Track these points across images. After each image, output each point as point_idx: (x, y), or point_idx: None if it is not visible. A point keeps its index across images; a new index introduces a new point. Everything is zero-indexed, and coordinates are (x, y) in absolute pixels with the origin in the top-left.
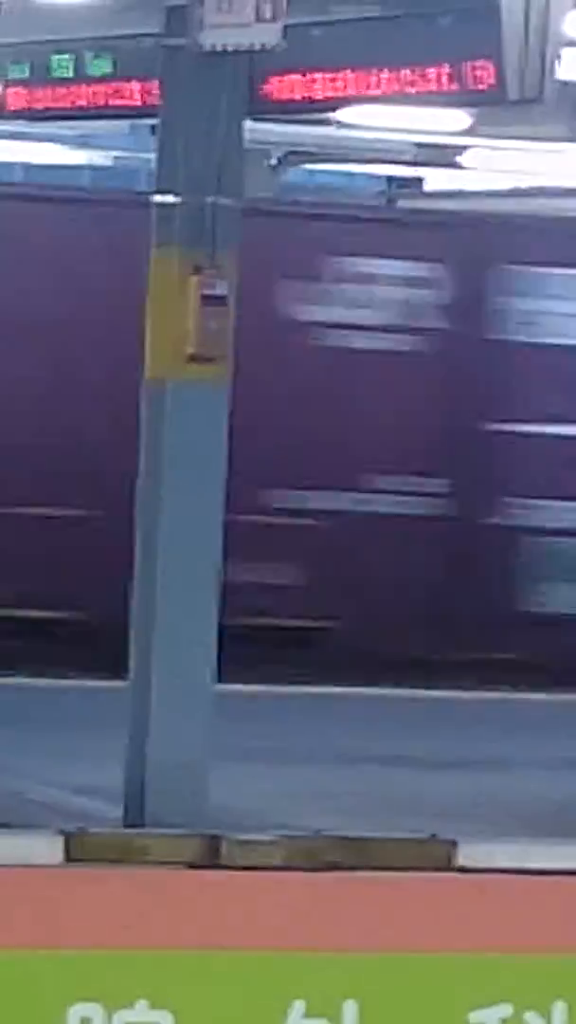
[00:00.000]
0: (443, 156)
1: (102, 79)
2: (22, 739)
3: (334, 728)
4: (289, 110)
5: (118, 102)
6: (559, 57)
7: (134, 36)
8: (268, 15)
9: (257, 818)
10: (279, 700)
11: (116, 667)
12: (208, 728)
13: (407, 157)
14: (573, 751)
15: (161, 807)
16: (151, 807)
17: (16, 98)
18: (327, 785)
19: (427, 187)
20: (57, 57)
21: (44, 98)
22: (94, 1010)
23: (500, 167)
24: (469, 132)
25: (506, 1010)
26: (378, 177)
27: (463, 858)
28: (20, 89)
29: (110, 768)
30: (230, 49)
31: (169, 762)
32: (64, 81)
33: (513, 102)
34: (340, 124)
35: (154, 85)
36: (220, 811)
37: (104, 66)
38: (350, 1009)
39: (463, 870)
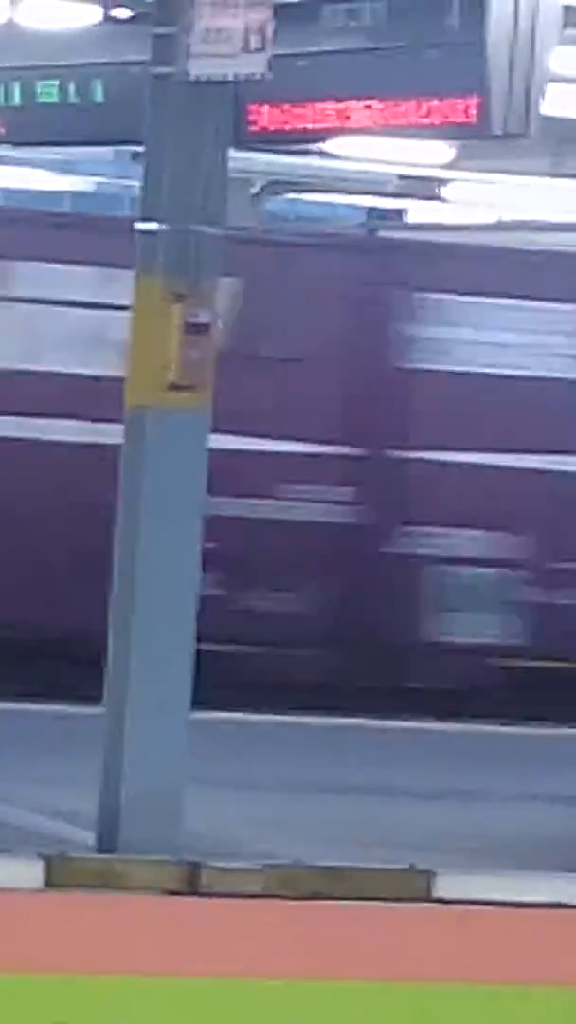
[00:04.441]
0: (425, 188)
1: (88, 106)
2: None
3: (309, 757)
4: (274, 140)
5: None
6: (543, 92)
7: (121, 64)
8: (255, 46)
9: (231, 846)
10: (255, 728)
11: None
12: (183, 755)
13: (389, 189)
14: (547, 785)
15: (135, 833)
16: (125, 833)
17: (2, 123)
18: (301, 814)
19: (409, 219)
20: (43, 83)
21: (30, 123)
22: None
23: (481, 200)
24: (452, 165)
25: None
26: (359, 208)
27: (441, 889)
28: (5, 114)
29: (89, 793)
30: (216, 78)
31: (144, 789)
32: (50, 107)
33: (497, 136)
34: (323, 154)
35: None
36: (194, 838)
37: (92, 93)
38: None
39: (441, 901)
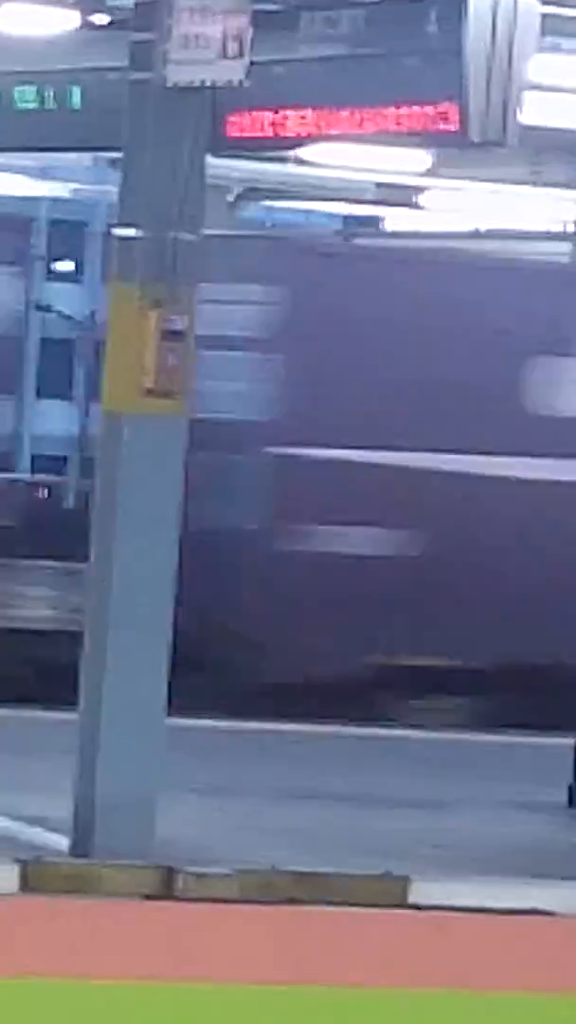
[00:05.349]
0: (403, 196)
1: (66, 112)
2: None
3: (283, 764)
4: (252, 147)
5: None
6: (522, 101)
7: (99, 70)
8: (233, 52)
9: (204, 852)
10: (229, 735)
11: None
12: (158, 761)
13: (367, 196)
14: (519, 793)
15: (109, 839)
16: (99, 839)
17: None
18: (275, 821)
19: (386, 227)
20: (21, 89)
21: (8, 129)
22: None
23: (459, 208)
24: (430, 173)
25: None
26: (336, 215)
27: (415, 895)
28: None
29: (64, 799)
30: (195, 85)
31: (118, 795)
32: (28, 113)
33: (475, 144)
34: (299, 161)
35: None
36: (168, 844)
37: (70, 99)
38: None
39: (415, 907)
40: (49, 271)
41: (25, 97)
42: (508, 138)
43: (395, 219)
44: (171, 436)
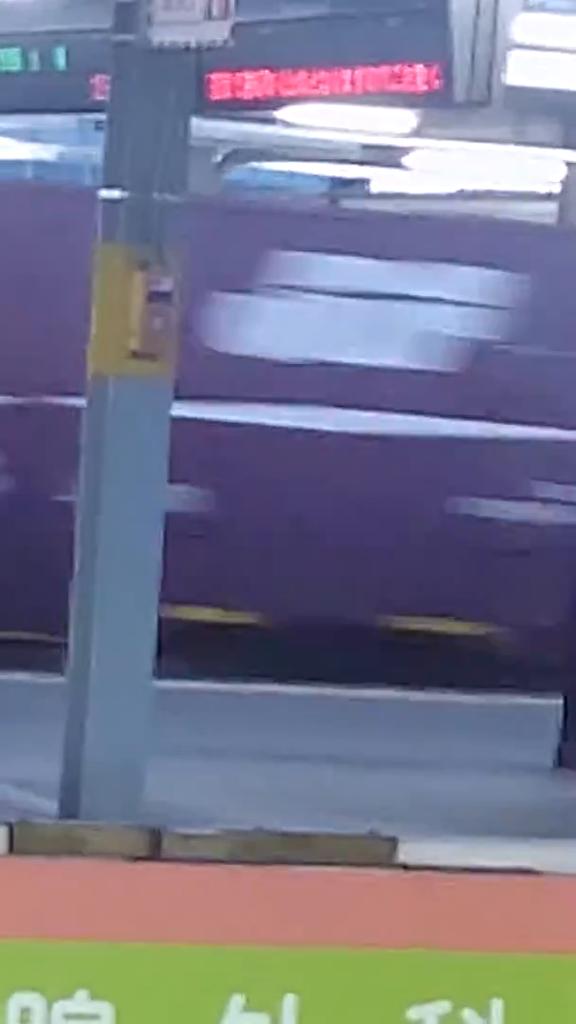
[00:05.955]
0: (388, 157)
1: (51, 73)
2: None
3: (269, 726)
4: (235, 108)
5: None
6: (507, 61)
7: (83, 32)
8: (217, 12)
9: (193, 814)
10: (217, 697)
11: None
12: (146, 723)
13: (352, 157)
14: (507, 753)
15: (97, 801)
16: (87, 801)
17: None
18: (264, 783)
19: (373, 188)
20: (5, 51)
21: None
22: (34, 1000)
23: (444, 169)
24: (414, 133)
25: (444, 1007)
26: (322, 177)
27: (404, 855)
28: None
29: (52, 762)
30: (178, 46)
31: (106, 757)
32: (12, 75)
33: (459, 104)
34: (285, 123)
35: None
36: (157, 806)
37: (55, 60)
38: (289, 1003)
39: (404, 867)
40: None
41: (9, 59)
42: (492, 98)
43: (381, 180)
44: (157, 398)
